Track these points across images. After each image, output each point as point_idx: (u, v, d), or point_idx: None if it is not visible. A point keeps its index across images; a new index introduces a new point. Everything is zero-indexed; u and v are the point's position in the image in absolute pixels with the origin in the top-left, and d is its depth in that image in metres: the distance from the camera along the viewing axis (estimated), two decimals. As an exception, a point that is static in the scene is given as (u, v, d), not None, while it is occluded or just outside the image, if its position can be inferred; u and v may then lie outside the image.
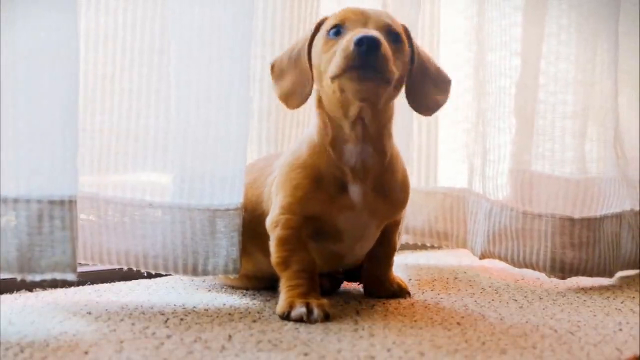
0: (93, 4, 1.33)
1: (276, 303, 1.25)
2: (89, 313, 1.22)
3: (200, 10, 1.30)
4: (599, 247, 1.60)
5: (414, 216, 1.81)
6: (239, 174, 1.33)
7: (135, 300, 1.33)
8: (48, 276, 1.14)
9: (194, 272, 1.33)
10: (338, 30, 1.22)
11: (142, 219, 1.32)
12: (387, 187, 1.30)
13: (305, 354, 1.02)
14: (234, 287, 1.46)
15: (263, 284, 1.43)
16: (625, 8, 1.74)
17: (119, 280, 1.48)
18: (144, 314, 1.23)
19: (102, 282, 1.47)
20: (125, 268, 1.34)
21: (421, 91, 1.30)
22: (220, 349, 1.04)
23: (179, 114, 1.32)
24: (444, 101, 1.33)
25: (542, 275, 1.64)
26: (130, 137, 1.35)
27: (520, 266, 1.62)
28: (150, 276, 1.46)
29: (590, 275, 1.59)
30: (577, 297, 1.46)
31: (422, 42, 1.74)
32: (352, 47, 1.14)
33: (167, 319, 1.20)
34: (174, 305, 1.30)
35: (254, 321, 1.20)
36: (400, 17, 1.61)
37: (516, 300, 1.41)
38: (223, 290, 1.44)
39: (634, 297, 1.46)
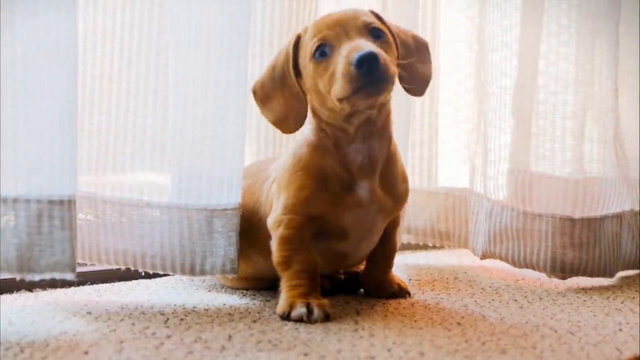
0: (91, 4, 1.33)
1: (276, 303, 1.25)
2: (89, 313, 1.22)
3: (197, 10, 1.30)
4: (600, 247, 1.60)
5: (415, 216, 1.81)
6: (236, 174, 1.33)
7: (135, 300, 1.33)
8: (47, 276, 1.14)
9: (192, 272, 1.33)
10: (323, 50, 1.21)
11: (140, 218, 1.32)
12: (390, 179, 1.30)
13: (305, 354, 1.02)
14: (233, 288, 1.45)
15: (263, 285, 1.43)
16: (626, 8, 1.73)
17: (119, 280, 1.48)
18: (144, 314, 1.23)
19: (102, 282, 1.47)
20: (123, 268, 1.35)
21: (411, 73, 1.28)
22: (220, 349, 1.04)
23: (176, 114, 1.32)
24: (431, 71, 1.33)
25: (543, 276, 1.64)
26: (128, 137, 1.35)
27: (520, 266, 1.62)
28: (150, 276, 1.46)
29: (591, 275, 1.59)
30: (577, 297, 1.46)
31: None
32: (353, 70, 1.14)
33: (167, 319, 1.20)
34: (174, 305, 1.30)
35: (254, 321, 1.20)
36: (400, 17, 1.61)
37: (516, 301, 1.41)
38: (223, 290, 1.44)
39: (634, 297, 1.46)
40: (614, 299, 1.44)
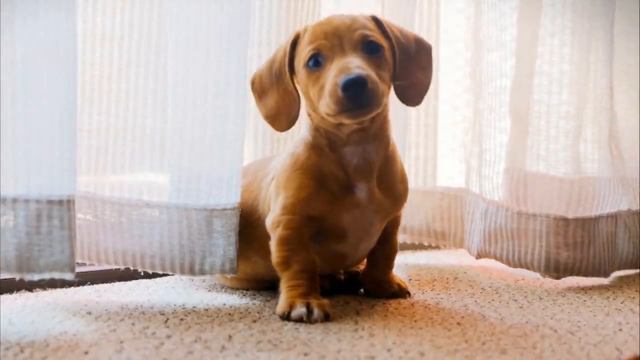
0: (90, 4, 1.33)
1: (276, 303, 1.25)
2: (89, 313, 1.22)
3: (197, 10, 1.30)
4: (594, 247, 1.60)
5: (411, 216, 1.81)
6: (235, 173, 1.33)
7: (135, 300, 1.33)
8: (46, 276, 1.14)
9: (191, 272, 1.33)
10: (317, 60, 1.22)
11: (140, 218, 1.32)
12: (388, 180, 1.30)
13: (305, 354, 1.02)
14: (233, 288, 1.45)
15: (262, 286, 1.42)
16: (621, 7, 1.73)
17: (119, 280, 1.48)
18: (144, 314, 1.23)
19: (102, 282, 1.47)
20: (122, 268, 1.35)
21: (408, 82, 1.28)
22: (220, 349, 1.04)
23: (176, 114, 1.32)
24: (430, 78, 1.32)
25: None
26: (128, 137, 1.35)
27: (515, 266, 1.62)
28: (150, 276, 1.46)
29: (585, 275, 1.59)
30: (577, 297, 1.46)
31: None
32: (340, 93, 1.15)
33: (167, 319, 1.20)
34: (174, 305, 1.30)
35: (254, 321, 1.20)
36: (397, 17, 1.61)
37: (516, 301, 1.41)
38: (223, 290, 1.44)
39: (634, 297, 1.46)
40: (614, 299, 1.44)
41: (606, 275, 1.62)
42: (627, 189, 1.70)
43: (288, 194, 1.27)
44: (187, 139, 1.32)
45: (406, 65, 1.28)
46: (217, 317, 1.22)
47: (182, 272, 1.33)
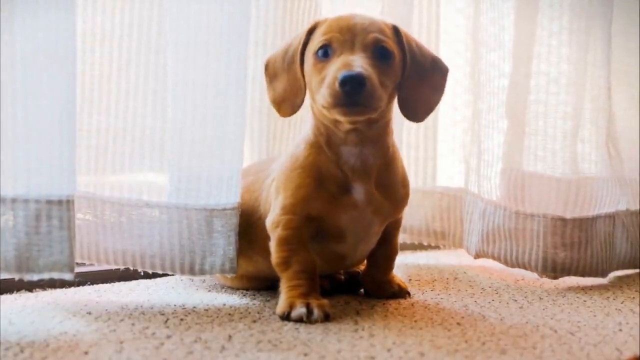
0: (90, 4, 1.33)
1: (276, 303, 1.25)
2: (89, 313, 1.22)
3: (196, 10, 1.30)
4: (591, 247, 1.60)
5: (411, 215, 1.80)
6: (236, 173, 1.33)
7: (135, 300, 1.33)
8: (46, 276, 1.14)
9: (191, 272, 1.33)
10: (326, 51, 1.23)
11: (139, 218, 1.32)
12: (388, 183, 1.30)
13: (305, 354, 1.02)
14: (233, 288, 1.45)
15: (263, 285, 1.42)
16: (619, 6, 1.73)
17: (119, 280, 1.48)
18: (144, 314, 1.23)
19: (102, 282, 1.46)
20: (122, 268, 1.34)
21: (414, 97, 1.29)
22: (220, 349, 1.04)
23: (175, 114, 1.32)
24: (439, 99, 1.33)
25: (542, 275, 1.64)
26: (127, 137, 1.35)
27: (513, 266, 1.62)
28: (150, 276, 1.46)
29: (583, 275, 1.59)
30: (577, 297, 1.46)
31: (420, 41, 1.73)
32: (337, 87, 1.16)
33: (167, 319, 1.20)
34: (174, 305, 1.30)
35: (254, 321, 1.20)
36: (394, 17, 1.61)
37: (516, 301, 1.41)
38: (223, 290, 1.44)
39: (633, 298, 1.46)
40: (613, 299, 1.44)
41: (604, 275, 1.62)
42: (625, 189, 1.70)
43: (287, 194, 1.27)
44: (187, 139, 1.32)
45: (415, 80, 1.29)
46: (217, 317, 1.22)
47: (182, 272, 1.33)
